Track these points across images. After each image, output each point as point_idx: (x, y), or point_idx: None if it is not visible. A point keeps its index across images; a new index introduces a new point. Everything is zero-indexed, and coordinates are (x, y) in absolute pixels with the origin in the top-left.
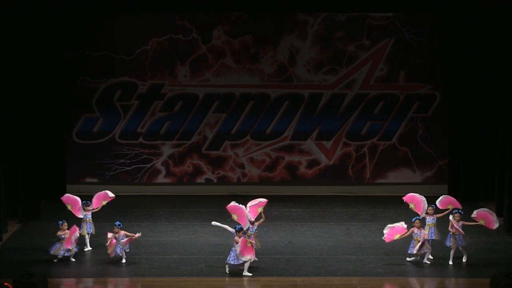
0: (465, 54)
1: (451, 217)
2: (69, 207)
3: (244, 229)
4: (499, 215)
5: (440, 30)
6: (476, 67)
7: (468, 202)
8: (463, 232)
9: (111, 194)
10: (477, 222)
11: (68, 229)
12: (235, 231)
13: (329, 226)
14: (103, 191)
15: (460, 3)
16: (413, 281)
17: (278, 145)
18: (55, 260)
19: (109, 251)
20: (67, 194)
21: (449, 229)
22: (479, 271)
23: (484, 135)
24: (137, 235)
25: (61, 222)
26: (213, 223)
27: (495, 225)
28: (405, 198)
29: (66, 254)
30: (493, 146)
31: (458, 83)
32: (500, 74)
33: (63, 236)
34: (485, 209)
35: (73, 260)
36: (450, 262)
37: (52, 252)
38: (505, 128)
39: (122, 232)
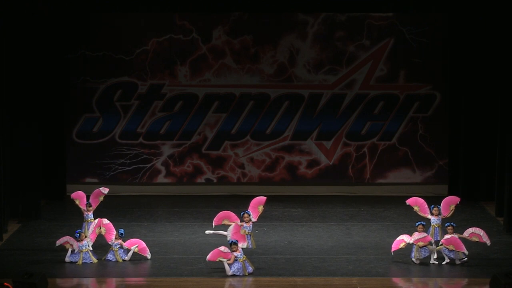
0: (465, 54)
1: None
2: (77, 202)
3: (239, 223)
4: (499, 215)
5: (440, 30)
6: (476, 67)
7: (469, 202)
8: (463, 249)
9: (104, 190)
10: (470, 239)
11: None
12: (229, 244)
13: (329, 226)
14: (96, 189)
15: (460, 3)
16: (413, 281)
17: (278, 145)
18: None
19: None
20: (77, 191)
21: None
22: (479, 271)
23: (484, 135)
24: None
25: (78, 235)
26: (206, 232)
27: (488, 242)
28: (408, 201)
29: (88, 261)
30: (493, 146)
31: (458, 83)
32: (500, 74)
33: (81, 246)
34: (477, 229)
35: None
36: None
37: (73, 260)
38: (505, 128)
39: (119, 241)
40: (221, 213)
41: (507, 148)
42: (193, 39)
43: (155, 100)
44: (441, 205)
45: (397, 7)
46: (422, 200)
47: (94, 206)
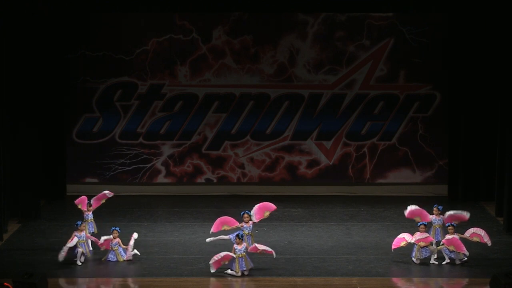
0: (465, 54)
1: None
2: (79, 206)
3: (239, 225)
4: (499, 215)
5: (440, 30)
6: (476, 67)
7: (468, 202)
8: (462, 249)
9: (109, 194)
10: (471, 239)
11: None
12: (235, 236)
13: (329, 226)
14: (102, 193)
15: (460, 3)
16: (413, 281)
17: (278, 145)
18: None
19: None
20: (81, 197)
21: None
22: (479, 271)
23: (484, 135)
24: (132, 238)
25: (80, 222)
26: (207, 240)
27: (489, 242)
28: (407, 217)
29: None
30: (493, 146)
31: (458, 83)
32: (500, 74)
33: (79, 236)
34: (478, 229)
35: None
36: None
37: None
38: (505, 128)
39: (117, 239)
40: (220, 219)
41: (507, 148)
42: (193, 39)
43: (155, 100)
44: (449, 216)
45: (397, 7)
46: (418, 209)
47: (94, 207)
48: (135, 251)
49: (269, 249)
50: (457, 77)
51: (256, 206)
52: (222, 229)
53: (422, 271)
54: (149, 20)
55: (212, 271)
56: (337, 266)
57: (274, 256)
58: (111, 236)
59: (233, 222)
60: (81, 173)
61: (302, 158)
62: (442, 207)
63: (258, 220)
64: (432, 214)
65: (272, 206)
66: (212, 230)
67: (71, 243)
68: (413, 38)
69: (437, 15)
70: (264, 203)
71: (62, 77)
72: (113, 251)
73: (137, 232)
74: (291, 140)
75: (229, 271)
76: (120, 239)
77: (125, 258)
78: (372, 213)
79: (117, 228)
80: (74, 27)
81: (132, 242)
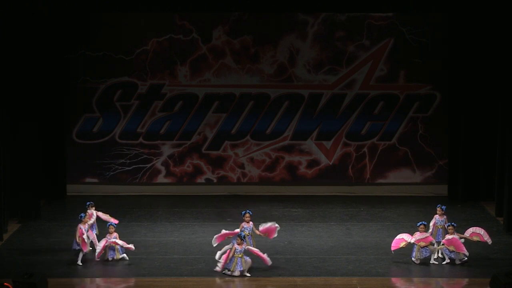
0: (465, 54)
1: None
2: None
3: (238, 230)
4: (499, 215)
5: (440, 30)
6: (476, 67)
7: (468, 202)
8: (462, 248)
9: (114, 222)
10: (471, 238)
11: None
12: (237, 236)
13: (329, 226)
14: (110, 219)
15: (460, 3)
16: (413, 281)
17: (278, 145)
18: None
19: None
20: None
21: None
22: (479, 271)
23: (484, 135)
24: (131, 247)
25: (84, 215)
26: (217, 257)
27: (489, 241)
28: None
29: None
30: (493, 146)
31: (458, 83)
32: (500, 74)
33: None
34: (477, 228)
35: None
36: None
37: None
38: (505, 128)
39: (115, 234)
40: (221, 234)
41: (507, 148)
42: (193, 39)
43: (155, 100)
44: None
45: (397, 7)
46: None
47: (98, 214)
48: (125, 255)
49: (263, 257)
50: (457, 77)
51: (270, 226)
52: (226, 238)
53: (422, 271)
54: (149, 20)
55: (214, 245)
56: (337, 266)
57: (269, 264)
58: (103, 243)
59: (233, 232)
60: (81, 173)
61: (302, 158)
62: (445, 207)
63: (258, 232)
64: (435, 214)
65: (273, 235)
66: (217, 242)
67: (85, 237)
68: (413, 38)
69: (437, 15)
70: (274, 230)
71: (62, 77)
72: (113, 246)
73: (137, 232)
74: (291, 140)
75: (226, 271)
76: (118, 239)
77: (121, 257)
78: (372, 213)
79: (113, 223)
80: (74, 27)
81: (123, 244)
